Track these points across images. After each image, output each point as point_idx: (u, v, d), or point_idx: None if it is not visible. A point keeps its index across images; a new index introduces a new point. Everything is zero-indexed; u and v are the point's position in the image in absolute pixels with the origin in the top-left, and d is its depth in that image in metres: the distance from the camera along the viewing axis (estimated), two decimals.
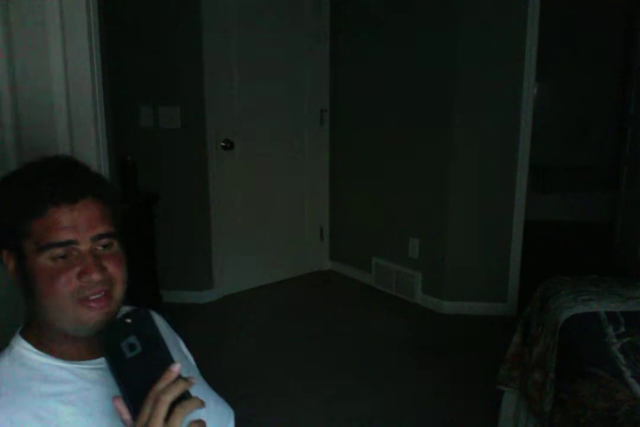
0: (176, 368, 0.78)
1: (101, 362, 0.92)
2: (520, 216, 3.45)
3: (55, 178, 0.88)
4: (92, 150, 1.75)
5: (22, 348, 0.91)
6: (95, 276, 0.86)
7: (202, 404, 0.79)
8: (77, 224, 0.87)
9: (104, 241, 0.89)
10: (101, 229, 0.89)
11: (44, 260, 0.86)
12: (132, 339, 0.79)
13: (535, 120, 3.45)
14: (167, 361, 0.80)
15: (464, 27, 3.28)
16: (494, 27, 3.27)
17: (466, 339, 3.24)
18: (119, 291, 0.91)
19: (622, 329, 1.82)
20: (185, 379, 0.79)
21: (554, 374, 1.83)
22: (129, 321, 0.80)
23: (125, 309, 1.06)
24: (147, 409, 0.76)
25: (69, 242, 0.86)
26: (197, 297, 3.65)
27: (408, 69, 3.57)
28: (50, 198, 0.86)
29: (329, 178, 4.16)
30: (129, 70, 3.39)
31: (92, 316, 0.87)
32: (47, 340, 0.92)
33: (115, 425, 0.87)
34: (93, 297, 0.87)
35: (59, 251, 0.86)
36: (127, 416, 0.79)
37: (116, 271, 0.90)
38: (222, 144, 3.60)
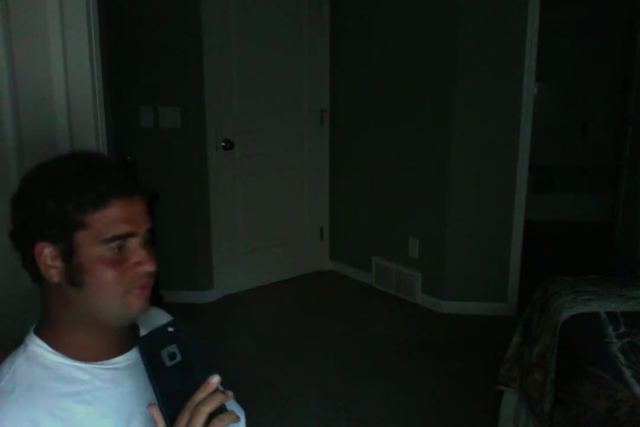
0: (215, 380, 0.78)
1: (117, 362, 0.93)
2: (520, 215, 3.45)
3: (114, 172, 0.91)
4: (92, 150, 1.74)
5: (38, 346, 0.91)
6: (150, 267, 0.89)
7: (237, 418, 0.79)
8: (135, 217, 0.89)
9: (150, 236, 0.93)
10: (149, 224, 0.92)
11: (102, 251, 0.87)
12: (173, 348, 0.79)
13: (535, 120, 3.45)
14: (206, 371, 0.79)
15: (464, 27, 3.28)
16: (494, 27, 3.27)
17: (466, 339, 3.24)
18: (152, 283, 0.94)
19: (622, 329, 1.82)
20: (223, 392, 0.78)
21: (554, 374, 1.83)
22: (171, 329, 0.81)
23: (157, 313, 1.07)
24: (184, 419, 0.76)
25: (129, 235, 0.88)
26: (197, 297, 3.65)
27: (408, 69, 3.57)
28: (113, 190, 0.88)
29: (329, 178, 4.16)
30: (129, 70, 3.39)
31: (140, 304, 0.91)
32: (65, 338, 0.91)
33: (131, 425, 0.88)
34: (140, 286, 0.91)
35: (119, 243, 0.88)
36: (161, 424, 0.78)
37: (156, 264, 0.93)
38: (222, 144, 3.60)
